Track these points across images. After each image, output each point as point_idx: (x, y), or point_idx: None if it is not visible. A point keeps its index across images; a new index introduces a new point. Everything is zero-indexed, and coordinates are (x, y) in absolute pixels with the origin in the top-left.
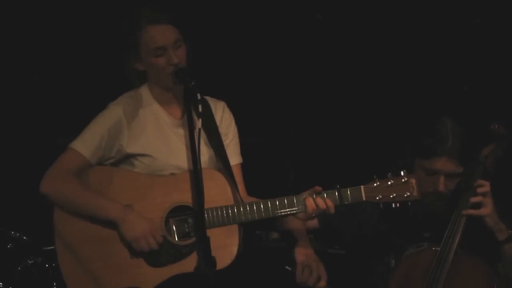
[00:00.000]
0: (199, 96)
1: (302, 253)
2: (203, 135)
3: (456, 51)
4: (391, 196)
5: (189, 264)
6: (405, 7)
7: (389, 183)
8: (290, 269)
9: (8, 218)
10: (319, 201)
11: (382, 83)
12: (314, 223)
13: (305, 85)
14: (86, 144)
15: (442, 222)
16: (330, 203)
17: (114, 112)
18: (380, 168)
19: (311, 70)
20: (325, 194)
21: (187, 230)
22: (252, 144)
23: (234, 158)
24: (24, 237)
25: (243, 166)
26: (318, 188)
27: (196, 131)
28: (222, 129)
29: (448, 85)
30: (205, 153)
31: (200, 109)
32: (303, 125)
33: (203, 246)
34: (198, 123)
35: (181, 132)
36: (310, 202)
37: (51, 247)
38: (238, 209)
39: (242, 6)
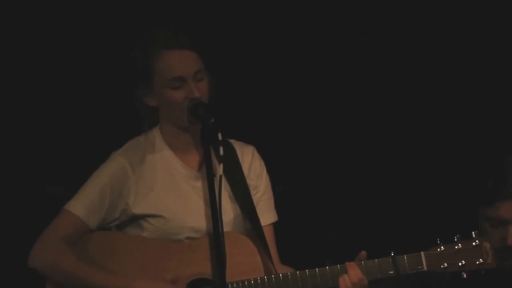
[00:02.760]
0: (220, 137)
1: None
2: (227, 188)
3: None
4: (459, 264)
5: None
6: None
7: (456, 247)
8: None
9: None
10: (358, 273)
11: (438, 119)
12: None
13: (345, 123)
14: (84, 204)
15: None
16: (359, 276)
17: (118, 163)
18: (443, 229)
19: (351, 109)
20: (377, 263)
21: None
22: (279, 194)
23: (267, 216)
24: None
25: None
26: (363, 254)
27: (217, 178)
28: (251, 180)
29: None
30: (229, 211)
31: (221, 152)
32: (345, 172)
33: None
34: (219, 169)
35: (199, 185)
36: (352, 271)
37: None
38: (270, 282)
39: (275, 40)
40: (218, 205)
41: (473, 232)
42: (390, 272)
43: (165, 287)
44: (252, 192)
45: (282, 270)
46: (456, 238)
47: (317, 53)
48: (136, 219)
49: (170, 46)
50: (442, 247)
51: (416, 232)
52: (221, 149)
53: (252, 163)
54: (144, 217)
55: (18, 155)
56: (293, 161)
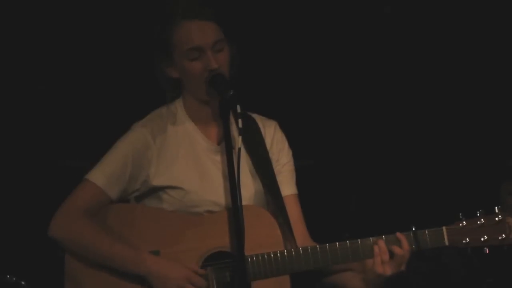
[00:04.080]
0: (239, 109)
1: None
2: (248, 162)
3: None
4: (482, 239)
5: None
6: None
7: (478, 222)
8: None
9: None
10: (393, 246)
11: (464, 98)
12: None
13: (366, 99)
14: (104, 174)
15: None
16: (406, 248)
17: (139, 134)
18: (465, 204)
19: (374, 87)
20: (399, 237)
21: (228, 279)
22: (301, 168)
23: (288, 187)
24: (23, 283)
25: None
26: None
27: (235, 151)
28: (272, 154)
29: None
30: (250, 184)
31: (240, 125)
32: (369, 148)
33: None
34: (238, 142)
35: (219, 159)
36: (381, 247)
37: None
38: (290, 257)
39: (301, 14)
40: (237, 179)
41: (496, 207)
42: (412, 246)
43: (176, 267)
44: (274, 165)
45: (308, 243)
46: (479, 213)
47: (338, 23)
48: (155, 191)
49: (188, 17)
50: (464, 222)
51: (439, 207)
52: (240, 121)
53: (274, 137)
54: (164, 188)
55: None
56: (316, 136)
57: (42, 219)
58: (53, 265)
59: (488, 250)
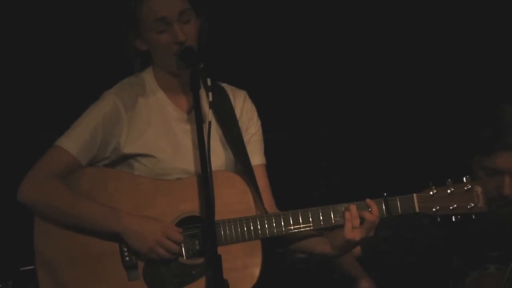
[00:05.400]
0: (209, 82)
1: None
2: (218, 131)
3: None
4: (451, 208)
5: None
6: None
7: (448, 191)
8: None
9: None
10: (364, 212)
11: (433, 68)
12: (357, 250)
13: (340, 71)
14: (75, 140)
15: None
16: (376, 214)
17: (110, 102)
18: (435, 172)
19: (352, 59)
20: (369, 204)
21: (197, 247)
22: (274, 141)
23: (256, 157)
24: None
25: None
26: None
27: (206, 124)
28: (242, 124)
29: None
30: (221, 153)
31: (211, 98)
32: (339, 119)
33: (213, 266)
34: (209, 115)
35: (189, 128)
36: (352, 213)
37: (30, 267)
38: (262, 221)
39: None
40: (207, 151)
41: (464, 177)
42: (383, 213)
43: (151, 222)
44: (243, 134)
45: (275, 212)
46: (448, 182)
47: None
48: (126, 159)
49: None
50: (434, 190)
51: (410, 175)
52: (210, 95)
53: (244, 106)
54: (134, 156)
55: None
56: (286, 108)
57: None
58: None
59: (456, 218)
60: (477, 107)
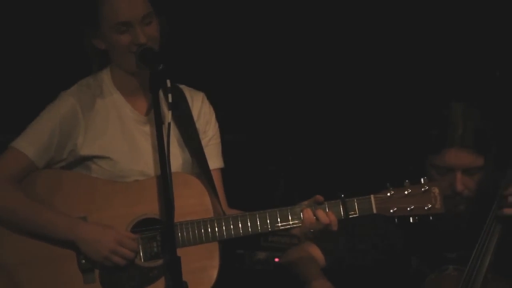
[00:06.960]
0: (168, 83)
1: None
2: (176, 133)
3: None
4: (408, 209)
5: None
6: None
7: (406, 192)
8: None
9: None
10: (320, 213)
11: (384, 70)
12: (321, 261)
13: (298, 75)
14: (31, 142)
15: (470, 238)
16: (332, 216)
17: (67, 103)
18: (393, 174)
19: (307, 60)
20: (326, 206)
21: (155, 249)
22: (232, 143)
23: (214, 161)
24: None
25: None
26: (319, 198)
27: (165, 126)
28: (200, 125)
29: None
30: (178, 155)
31: (170, 99)
32: (297, 121)
33: (173, 269)
34: (168, 116)
35: (147, 130)
36: (308, 214)
37: None
38: (219, 223)
39: None
40: (166, 152)
41: (422, 178)
42: (341, 214)
43: (106, 231)
44: (201, 136)
45: (231, 212)
46: (405, 183)
47: None
48: (83, 161)
49: None
50: (392, 191)
51: (367, 177)
52: (169, 96)
53: (201, 109)
54: (92, 158)
55: None
56: (245, 109)
57: None
58: None
59: (414, 219)
60: (424, 106)
